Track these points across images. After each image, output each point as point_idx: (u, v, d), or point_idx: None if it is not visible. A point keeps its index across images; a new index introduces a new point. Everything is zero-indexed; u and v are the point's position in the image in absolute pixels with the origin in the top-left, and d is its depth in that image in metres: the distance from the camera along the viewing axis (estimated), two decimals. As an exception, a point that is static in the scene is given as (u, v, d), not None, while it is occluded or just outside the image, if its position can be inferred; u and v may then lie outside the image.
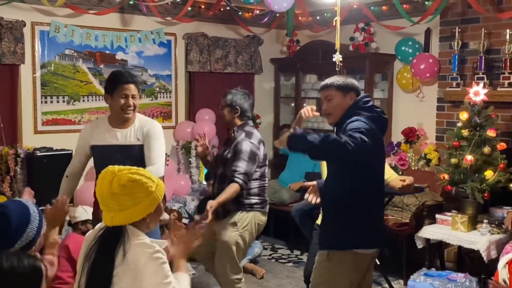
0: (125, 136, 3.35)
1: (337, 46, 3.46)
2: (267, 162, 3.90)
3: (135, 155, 3.30)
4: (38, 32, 5.21)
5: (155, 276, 1.99)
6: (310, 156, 2.72)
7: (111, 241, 2.02)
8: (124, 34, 5.70)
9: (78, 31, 5.41)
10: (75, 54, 5.46)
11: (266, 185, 3.88)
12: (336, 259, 2.89)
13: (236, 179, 3.58)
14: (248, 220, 3.74)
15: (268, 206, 3.91)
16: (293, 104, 6.84)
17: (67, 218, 4.76)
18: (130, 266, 1.98)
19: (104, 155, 3.31)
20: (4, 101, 4.98)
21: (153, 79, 5.98)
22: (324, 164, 3.69)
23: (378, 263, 4.66)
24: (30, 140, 5.16)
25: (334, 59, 3.49)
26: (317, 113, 3.14)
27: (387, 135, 5.84)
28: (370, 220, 2.91)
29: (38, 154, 4.84)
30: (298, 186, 5.82)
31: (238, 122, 3.79)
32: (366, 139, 2.59)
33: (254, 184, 3.75)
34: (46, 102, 5.32)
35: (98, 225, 2.16)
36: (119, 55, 5.72)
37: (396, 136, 5.74)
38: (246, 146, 3.65)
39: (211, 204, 3.47)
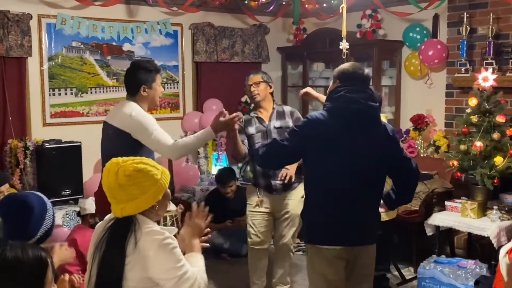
0: None
1: (344, 33, 3.44)
2: None
3: None
4: (45, 25, 5.22)
5: (167, 261, 2.01)
6: None
7: (122, 231, 2.03)
8: (131, 25, 5.70)
9: (84, 23, 5.41)
10: (82, 46, 5.46)
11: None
12: (309, 252, 2.87)
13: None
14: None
15: None
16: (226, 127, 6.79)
17: (77, 209, 4.82)
18: (142, 254, 1.99)
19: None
20: (13, 94, 5.00)
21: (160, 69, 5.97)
22: None
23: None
24: (39, 132, 5.18)
25: (340, 47, 3.46)
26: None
27: (395, 122, 5.81)
28: (323, 216, 2.76)
29: (47, 146, 4.86)
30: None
31: (269, 95, 3.99)
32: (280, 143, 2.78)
33: None
34: (54, 94, 5.34)
35: (108, 216, 2.17)
36: (126, 47, 5.72)
37: (405, 123, 5.71)
38: (299, 114, 4.02)
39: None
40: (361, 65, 3.02)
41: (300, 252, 5.39)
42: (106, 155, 3.06)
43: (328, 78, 6.42)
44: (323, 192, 2.75)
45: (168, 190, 2.15)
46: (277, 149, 2.82)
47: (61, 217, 4.72)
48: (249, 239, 4.07)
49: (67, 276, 2.28)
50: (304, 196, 2.91)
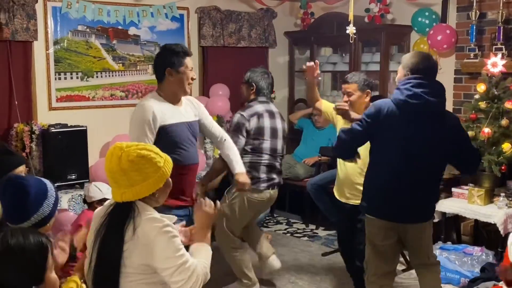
0: (186, 113, 3.26)
1: (351, 17, 3.39)
2: (267, 137, 3.94)
3: (197, 132, 3.34)
4: (50, 8, 5.18)
5: (166, 249, 2.00)
6: None
7: (121, 217, 2.03)
8: (136, 9, 5.66)
9: (90, 6, 5.37)
10: (88, 30, 5.43)
11: (264, 161, 3.92)
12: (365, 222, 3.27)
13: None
14: (235, 195, 3.88)
15: (267, 184, 3.94)
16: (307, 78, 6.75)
17: (82, 193, 4.82)
18: (141, 241, 1.99)
19: (177, 134, 3.17)
20: (18, 78, 4.98)
21: (166, 54, 5.93)
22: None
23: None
24: (45, 116, 5.18)
25: (347, 31, 3.42)
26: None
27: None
28: (378, 192, 3.13)
29: (52, 130, 4.85)
30: (313, 161, 5.81)
31: (250, 96, 3.99)
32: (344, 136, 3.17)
33: (244, 159, 3.81)
34: (60, 78, 5.32)
35: (108, 202, 2.17)
36: (132, 31, 5.68)
37: (412, 109, 5.65)
38: (234, 118, 3.91)
39: None
40: (429, 56, 3.19)
41: (306, 238, 5.40)
42: None
43: (335, 63, 6.38)
44: (381, 172, 3.09)
45: (170, 179, 2.14)
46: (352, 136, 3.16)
47: (67, 201, 4.74)
48: None
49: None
50: (367, 173, 3.23)
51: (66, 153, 4.87)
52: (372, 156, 3.18)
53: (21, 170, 2.85)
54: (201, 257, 2.13)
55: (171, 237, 2.02)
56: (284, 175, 4.54)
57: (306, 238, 5.41)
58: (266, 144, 3.92)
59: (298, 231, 5.62)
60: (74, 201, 4.81)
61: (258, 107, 3.93)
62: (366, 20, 5.76)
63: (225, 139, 3.55)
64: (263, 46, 6.55)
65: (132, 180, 2.01)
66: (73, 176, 4.92)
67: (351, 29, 3.39)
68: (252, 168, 3.86)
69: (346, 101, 3.61)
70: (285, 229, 5.67)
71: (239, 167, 3.57)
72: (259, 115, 3.90)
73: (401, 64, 3.15)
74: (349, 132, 3.16)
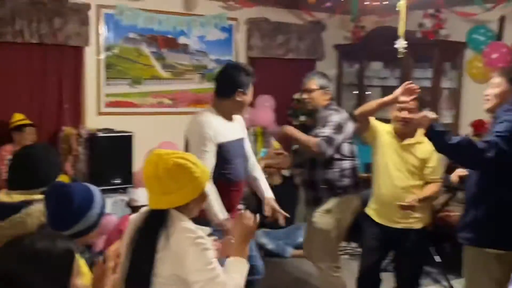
0: (237, 130, 3.30)
1: (401, 31, 3.29)
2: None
3: (245, 149, 3.37)
4: (103, 15, 5.29)
5: (197, 261, 1.96)
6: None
7: (155, 225, 2.01)
8: (187, 18, 5.71)
9: (142, 14, 5.45)
10: (139, 37, 5.51)
11: (358, 165, 3.83)
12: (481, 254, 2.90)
13: (317, 138, 3.56)
14: (343, 206, 3.69)
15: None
16: (355, 92, 6.65)
17: (126, 198, 4.87)
18: (173, 250, 1.96)
19: (231, 151, 3.19)
20: (69, 82, 5.10)
21: (214, 64, 5.96)
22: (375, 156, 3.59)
23: (439, 260, 4.49)
24: (93, 121, 5.27)
25: (396, 46, 3.32)
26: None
27: (454, 127, 5.58)
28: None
29: (99, 135, 4.93)
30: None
31: (324, 103, 3.76)
32: (504, 147, 2.58)
33: (346, 164, 3.71)
34: (109, 84, 5.41)
35: (144, 208, 2.15)
36: (181, 40, 5.73)
37: (465, 128, 5.47)
38: (333, 117, 3.66)
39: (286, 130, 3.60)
40: None
41: (346, 256, 5.27)
42: None
43: (385, 78, 6.25)
44: None
45: (206, 191, 2.10)
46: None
47: (110, 205, 4.80)
48: None
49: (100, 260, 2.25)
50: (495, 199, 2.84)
51: (112, 158, 4.94)
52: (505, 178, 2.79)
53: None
54: (235, 272, 2.07)
55: (204, 249, 1.98)
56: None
57: (347, 256, 5.28)
58: (355, 148, 3.83)
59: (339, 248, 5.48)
60: (116, 206, 4.86)
61: (343, 110, 3.85)
62: (418, 35, 5.62)
63: (253, 161, 3.49)
64: (311, 59, 6.50)
65: (167, 188, 1.99)
66: (117, 181, 4.98)
67: (400, 44, 3.28)
68: (355, 172, 3.77)
69: (405, 118, 3.40)
70: (326, 245, 5.54)
71: (268, 192, 3.47)
72: (350, 119, 3.78)
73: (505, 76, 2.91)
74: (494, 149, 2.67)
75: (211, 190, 2.96)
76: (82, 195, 2.14)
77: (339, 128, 3.62)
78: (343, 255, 5.26)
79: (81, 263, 2.03)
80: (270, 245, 5.02)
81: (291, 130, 3.65)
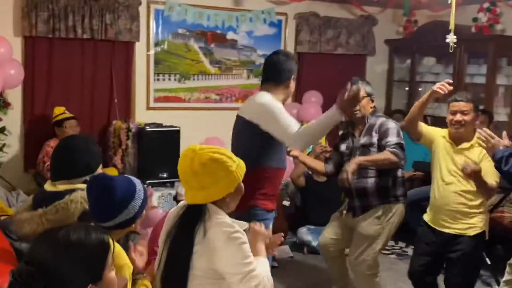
0: None
1: (452, 26, 3.18)
2: None
3: None
4: (153, 11, 5.36)
5: (235, 255, 1.96)
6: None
7: (192, 219, 2.02)
8: (236, 14, 5.72)
9: (191, 10, 5.50)
10: (187, 33, 5.56)
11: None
12: None
13: (389, 149, 3.45)
14: (393, 213, 3.61)
15: None
16: (407, 88, 6.50)
17: (172, 191, 4.93)
18: (210, 244, 1.96)
19: None
20: (119, 77, 5.21)
21: (262, 59, 5.93)
22: (435, 156, 3.50)
23: (489, 262, 4.33)
24: (142, 115, 5.36)
25: (447, 40, 3.21)
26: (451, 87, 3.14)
27: (509, 126, 5.36)
28: None
29: (147, 129, 5.01)
30: (407, 176, 5.54)
31: (370, 110, 3.67)
32: None
33: (399, 172, 3.64)
34: (158, 79, 5.49)
35: (181, 203, 2.16)
36: (230, 35, 5.75)
37: (520, 126, 5.25)
38: (390, 124, 3.57)
39: (357, 161, 3.37)
40: None
41: (393, 256, 5.16)
42: (236, 148, 3.02)
43: (438, 73, 6.08)
44: None
45: (242, 184, 2.09)
46: None
47: (157, 199, 4.87)
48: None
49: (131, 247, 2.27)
50: None
51: (159, 152, 5.00)
52: None
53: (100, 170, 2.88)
54: (266, 269, 2.07)
55: (241, 243, 1.97)
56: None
57: (394, 256, 5.17)
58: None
59: (387, 248, 5.36)
60: (163, 199, 4.93)
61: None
62: (473, 30, 5.43)
63: None
64: (362, 54, 6.39)
65: (203, 182, 1.99)
66: (164, 175, 5.04)
67: (451, 38, 3.18)
68: (405, 181, 3.73)
69: (458, 121, 3.30)
70: (373, 244, 5.45)
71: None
72: None
73: None
74: None
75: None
76: (124, 187, 2.16)
77: (399, 134, 3.56)
78: (390, 254, 5.16)
79: (120, 253, 2.05)
80: (314, 242, 4.97)
81: (360, 161, 3.46)
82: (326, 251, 3.89)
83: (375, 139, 3.57)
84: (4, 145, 4.77)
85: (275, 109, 2.92)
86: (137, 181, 2.23)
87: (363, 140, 3.60)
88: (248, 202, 3.00)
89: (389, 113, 6.52)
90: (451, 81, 3.21)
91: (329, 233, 3.86)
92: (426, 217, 3.58)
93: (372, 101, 3.68)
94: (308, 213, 5.25)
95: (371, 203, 3.60)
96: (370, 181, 3.59)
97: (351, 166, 3.33)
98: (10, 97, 4.76)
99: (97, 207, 2.13)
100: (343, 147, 3.72)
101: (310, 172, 5.41)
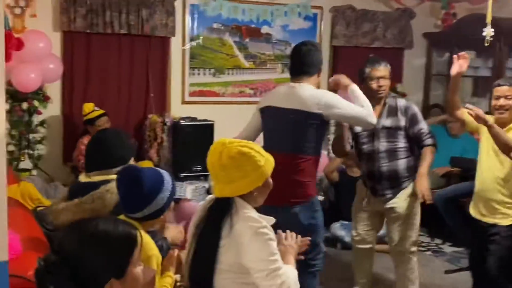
0: None
1: (488, 19, 3.10)
2: None
3: None
4: (189, 6, 5.40)
5: (260, 251, 1.96)
6: None
7: (220, 212, 2.03)
8: (270, 7, 5.70)
9: (226, 4, 5.51)
10: (222, 27, 5.58)
11: None
12: None
13: (428, 142, 3.52)
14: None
15: None
16: (445, 83, 6.35)
17: (206, 185, 4.97)
18: (236, 238, 1.97)
19: None
20: (155, 71, 5.27)
21: (297, 53, 5.92)
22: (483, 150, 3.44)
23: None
24: (177, 110, 5.41)
25: (484, 34, 3.13)
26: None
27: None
28: None
29: (182, 123, 5.05)
30: (443, 171, 5.43)
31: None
32: None
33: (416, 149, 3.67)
34: (193, 74, 5.53)
35: (209, 196, 2.18)
36: (264, 29, 5.74)
37: None
38: (416, 107, 3.63)
39: (424, 175, 3.41)
40: None
41: (429, 252, 5.08)
42: (284, 138, 3.06)
43: (477, 67, 5.92)
44: None
45: (270, 180, 2.09)
46: None
47: (191, 192, 4.91)
48: (352, 236, 3.88)
49: (175, 252, 2.30)
50: None
51: (194, 146, 5.04)
52: None
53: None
54: (291, 275, 2.06)
55: (267, 239, 1.98)
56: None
57: (429, 252, 5.09)
58: None
59: (423, 244, 5.29)
60: (197, 192, 4.97)
61: None
62: (514, 22, 5.27)
63: None
64: (399, 47, 6.28)
65: (231, 176, 2.00)
66: (198, 168, 5.07)
67: (487, 32, 3.09)
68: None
69: (502, 105, 3.30)
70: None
71: None
72: None
73: None
74: None
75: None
76: (153, 179, 2.20)
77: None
78: (425, 251, 5.08)
79: (149, 243, 2.08)
80: (347, 238, 4.93)
81: (425, 173, 3.50)
82: (364, 243, 3.82)
83: (402, 122, 3.54)
84: (44, 138, 4.90)
85: (335, 97, 3.08)
86: (165, 174, 2.27)
87: (388, 122, 3.54)
88: (308, 191, 3.09)
89: (427, 107, 6.42)
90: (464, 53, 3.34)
91: (361, 225, 3.80)
92: (470, 207, 3.59)
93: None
94: (342, 208, 5.20)
95: (402, 183, 3.59)
96: (400, 163, 3.58)
97: (424, 185, 3.39)
98: (49, 91, 4.88)
99: (126, 198, 2.17)
100: (358, 128, 3.60)
101: (344, 167, 5.38)
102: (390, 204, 3.62)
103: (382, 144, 3.57)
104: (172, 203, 2.30)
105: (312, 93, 3.04)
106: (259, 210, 2.10)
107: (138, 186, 2.16)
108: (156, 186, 2.19)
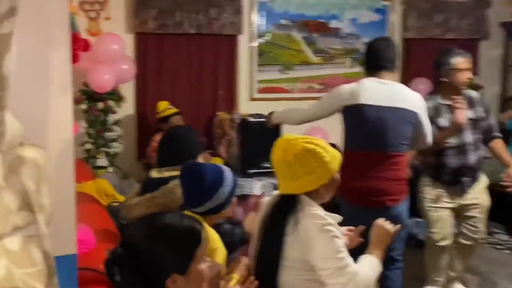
0: None
1: None
2: None
3: None
4: (256, 3, 5.43)
5: (325, 249, 1.94)
6: None
7: (284, 209, 2.03)
8: (339, 1, 5.63)
9: (294, 1, 5.50)
10: (290, 23, 5.57)
11: None
12: None
13: (499, 134, 3.61)
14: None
15: None
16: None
17: (274, 181, 4.98)
18: (301, 236, 1.96)
19: None
20: (224, 69, 5.34)
21: (367, 47, 5.81)
22: None
23: None
24: (246, 106, 5.46)
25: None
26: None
27: None
28: None
29: (250, 120, 5.08)
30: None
31: None
32: None
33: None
34: (261, 70, 5.55)
35: (275, 192, 2.18)
36: (333, 23, 5.68)
37: None
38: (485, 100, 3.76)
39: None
40: None
41: (507, 251, 4.85)
42: (394, 137, 3.04)
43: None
44: None
45: (338, 176, 2.06)
46: None
47: (260, 188, 4.94)
48: (430, 235, 3.73)
49: (245, 260, 2.27)
50: None
51: (262, 142, 5.01)
52: None
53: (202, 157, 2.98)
54: (368, 268, 2.02)
55: (332, 236, 1.95)
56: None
57: (508, 251, 4.86)
58: None
59: (500, 242, 5.07)
60: (266, 188, 4.99)
61: None
62: None
63: None
64: (474, 38, 6.03)
65: (296, 173, 1.98)
66: (267, 164, 5.09)
67: None
68: None
69: None
70: (485, 239, 5.15)
71: None
72: None
73: None
74: None
75: None
76: (214, 174, 2.25)
77: None
78: (503, 249, 4.87)
79: (213, 237, 2.11)
80: (421, 236, 4.80)
81: None
82: (445, 240, 3.69)
83: (481, 113, 3.53)
84: (119, 136, 5.09)
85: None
86: (226, 169, 2.31)
87: (470, 113, 3.45)
88: (406, 188, 3.15)
89: (504, 99, 6.13)
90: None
91: (444, 225, 3.67)
92: None
93: None
94: (417, 205, 5.07)
95: (478, 175, 3.60)
96: (481, 154, 3.60)
97: None
98: (123, 91, 5.05)
99: (189, 193, 2.23)
100: (443, 121, 3.44)
101: (418, 163, 5.23)
102: (471, 197, 3.60)
103: (469, 136, 3.50)
104: (235, 199, 2.33)
105: (412, 93, 3.13)
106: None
107: (199, 181, 2.21)
108: (217, 181, 2.23)
